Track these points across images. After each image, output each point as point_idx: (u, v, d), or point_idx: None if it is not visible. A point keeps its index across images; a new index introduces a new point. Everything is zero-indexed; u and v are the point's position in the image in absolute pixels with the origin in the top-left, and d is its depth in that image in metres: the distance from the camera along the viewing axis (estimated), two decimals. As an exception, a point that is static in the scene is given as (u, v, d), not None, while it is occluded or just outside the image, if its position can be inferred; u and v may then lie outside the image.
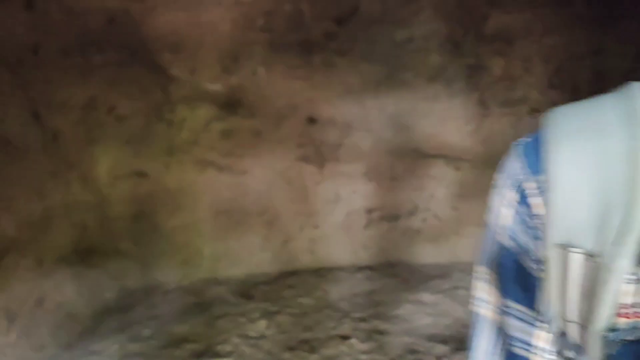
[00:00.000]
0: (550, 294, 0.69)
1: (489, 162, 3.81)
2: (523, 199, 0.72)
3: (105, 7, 3.75)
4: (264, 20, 3.78)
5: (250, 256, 4.13)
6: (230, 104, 3.94)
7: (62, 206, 3.58)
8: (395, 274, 3.77)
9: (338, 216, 3.99)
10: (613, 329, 0.65)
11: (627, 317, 0.65)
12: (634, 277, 0.62)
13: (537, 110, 3.72)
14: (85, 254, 3.75)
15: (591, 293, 0.64)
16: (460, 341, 2.96)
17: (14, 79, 3.24)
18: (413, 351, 2.93)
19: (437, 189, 3.90)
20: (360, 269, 3.93)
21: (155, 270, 4.12)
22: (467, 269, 3.76)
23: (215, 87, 3.92)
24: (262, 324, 3.35)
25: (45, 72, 3.55)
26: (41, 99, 3.48)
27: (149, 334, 3.35)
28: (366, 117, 3.86)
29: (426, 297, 3.41)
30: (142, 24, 3.82)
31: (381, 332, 3.13)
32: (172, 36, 3.84)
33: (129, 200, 4.04)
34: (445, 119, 3.80)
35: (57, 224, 3.51)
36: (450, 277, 3.65)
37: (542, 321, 0.73)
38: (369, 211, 3.97)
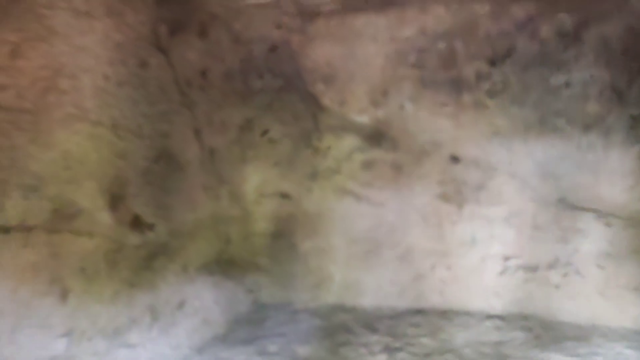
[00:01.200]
0: None
1: (645, 222, 3.53)
2: None
3: (268, 37, 4.04)
4: (415, 57, 3.84)
5: (378, 288, 4.15)
6: (375, 137, 4.02)
7: (211, 218, 3.87)
8: (527, 328, 3.59)
9: (473, 259, 3.89)
10: None
11: None
12: None
13: None
14: (226, 265, 4.01)
15: None
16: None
17: (182, 98, 3.59)
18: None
19: (582, 244, 3.66)
20: (490, 317, 3.78)
21: (288, 288, 4.29)
22: (608, 334, 3.49)
23: (362, 119, 4.04)
24: (382, 358, 3.35)
25: (210, 93, 3.89)
26: (203, 118, 3.81)
27: (274, 350, 3.49)
28: (512, 161, 3.74)
29: (558, 358, 3.20)
30: (300, 54, 4.05)
31: (505, 387, 3.00)
32: (327, 67, 4.02)
33: (271, 219, 4.27)
34: (599, 171, 3.58)
35: (204, 234, 3.80)
36: (588, 341, 3.40)
37: None
38: (506, 258, 3.82)
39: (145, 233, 3.19)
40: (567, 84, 3.63)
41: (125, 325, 3.04)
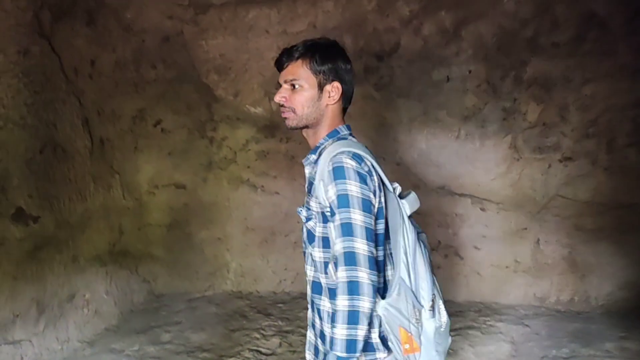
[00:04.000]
0: None
1: (515, 206, 3.84)
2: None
3: (160, 27, 4.02)
4: (307, 51, 3.95)
5: (273, 275, 4.26)
6: (269, 127, 4.11)
7: (102, 208, 3.82)
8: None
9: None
10: None
11: None
12: None
13: (570, 159, 3.72)
14: (119, 256, 3.97)
15: None
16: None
17: (69, 87, 3.51)
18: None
19: (461, 228, 3.94)
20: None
21: (184, 278, 4.32)
22: (482, 310, 3.78)
23: (257, 110, 4.12)
24: (275, 341, 3.46)
25: (100, 82, 3.82)
26: (93, 107, 3.75)
27: (167, 339, 3.52)
28: (397, 151, 3.96)
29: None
30: (194, 45, 4.06)
31: None
32: (220, 59, 4.06)
33: (166, 209, 4.27)
34: (476, 159, 3.85)
35: (96, 225, 3.74)
36: (464, 317, 3.67)
37: None
38: (393, 242, 4.04)
39: (29, 225, 3.11)
40: (448, 78, 3.86)
41: (8, 320, 2.96)
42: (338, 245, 1.41)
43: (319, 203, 1.51)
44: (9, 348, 2.95)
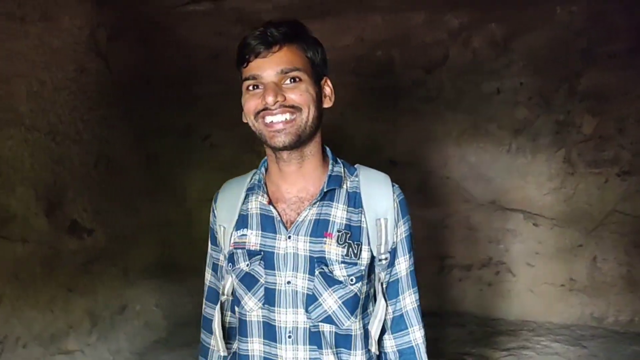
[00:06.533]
0: None
1: (570, 222, 3.71)
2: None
3: (209, 44, 4.08)
4: (354, 64, 3.95)
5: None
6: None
7: (152, 222, 3.88)
8: (461, 325, 3.73)
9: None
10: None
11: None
12: None
13: (628, 173, 3.58)
14: (168, 269, 4.02)
15: None
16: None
17: (123, 104, 3.60)
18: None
19: (513, 244, 3.83)
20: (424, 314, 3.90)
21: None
22: (536, 329, 3.66)
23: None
24: None
25: (151, 99, 3.90)
26: (144, 123, 3.83)
27: (215, 352, 3.52)
28: (445, 164, 3.89)
29: (490, 352, 3.34)
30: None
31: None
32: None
33: (214, 223, 4.29)
34: (528, 173, 3.75)
35: (146, 238, 3.80)
36: (517, 336, 3.56)
37: None
38: (442, 258, 3.97)
39: (84, 238, 3.18)
40: (498, 91, 3.79)
41: (62, 331, 3.03)
42: (408, 299, 1.29)
43: (380, 250, 1.25)
44: (63, 358, 3.01)
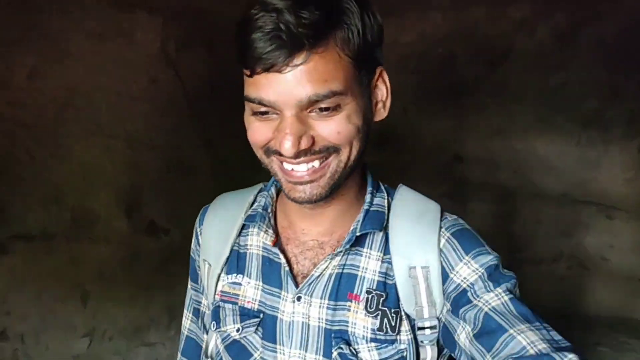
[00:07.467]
0: None
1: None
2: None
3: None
4: (416, 62, 3.97)
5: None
6: (380, 140, 4.15)
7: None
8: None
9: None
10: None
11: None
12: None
13: None
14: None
15: None
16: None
17: (192, 111, 3.76)
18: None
19: (585, 237, 3.74)
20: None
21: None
22: (613, 325, 3.56)
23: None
24: None
25: (219, 106, 4.05)
26: (213, 129, 3.98)
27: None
28: (513, 159, 3.84)
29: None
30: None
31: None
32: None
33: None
34: (599, 165, 3.65)
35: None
36: (593, 332, 3.47)
37: None
38: (511, 253, 3.92)
39: (161, 238, 3.36)
40: (565, 82, 3.71)
41: (145, 325, 3.23)
42: (532, 335, 0.82)
43: (420, 315, 0.85)
44: (145, 349, 3.22)
